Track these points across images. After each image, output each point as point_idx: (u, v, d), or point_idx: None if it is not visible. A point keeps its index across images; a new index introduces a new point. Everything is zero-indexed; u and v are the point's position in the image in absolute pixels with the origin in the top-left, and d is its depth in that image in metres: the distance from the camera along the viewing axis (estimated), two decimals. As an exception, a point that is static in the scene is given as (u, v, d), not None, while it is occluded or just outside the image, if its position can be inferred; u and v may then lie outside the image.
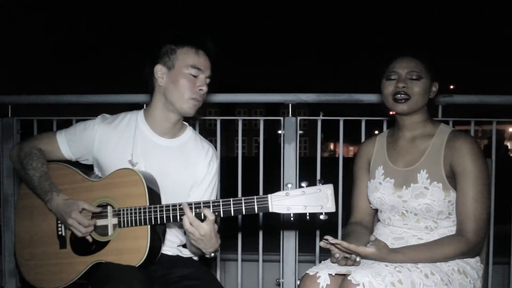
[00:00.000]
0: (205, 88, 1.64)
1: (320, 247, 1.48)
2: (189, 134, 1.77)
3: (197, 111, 1.68)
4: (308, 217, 1.44)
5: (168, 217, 1.50)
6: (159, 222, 1.51)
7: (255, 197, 1.44)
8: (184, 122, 1.77)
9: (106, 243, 1.55)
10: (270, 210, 1.43)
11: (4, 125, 2.56)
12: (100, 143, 1.67)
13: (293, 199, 1.42)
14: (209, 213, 1.44)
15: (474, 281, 1.52)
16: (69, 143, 1.70)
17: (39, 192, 1.62)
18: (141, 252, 1.50)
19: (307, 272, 1.47)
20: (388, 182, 1.63)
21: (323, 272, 1.43)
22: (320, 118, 2.50)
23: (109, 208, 1.58)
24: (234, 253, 2.53)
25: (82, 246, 1.58)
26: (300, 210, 1.42)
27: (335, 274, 1.42)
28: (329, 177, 1.65)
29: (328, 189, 1.42)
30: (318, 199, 1.41)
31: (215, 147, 1.90)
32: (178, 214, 1.49)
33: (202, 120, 2.35)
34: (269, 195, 1.44)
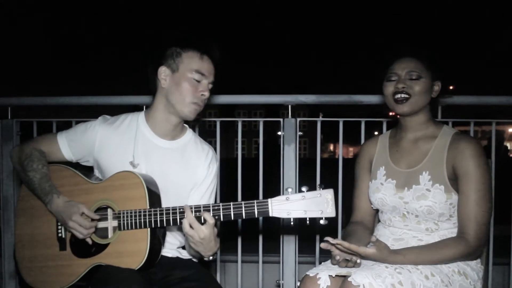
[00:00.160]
0: (207, 94, 1.65)
1: (320, 248, 1.48)
2: (189, 136, 1.77)
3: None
4: (308, 222, 1.44)
5: (168, 220, 1.50)
6: (159, 225, 1.51)
7: (255, 201, 1.44)
8: (185, 124, 1.77)
9: (106, 245, 1.55)
10: (270, 215, 1.43)
11: (3, 127, 2.56)
12: (101, 144, 1.67)
13: (293, 204, 1.42)
14: (209, 217, 1.44)
15: (475, 283, 1.52)
16: (69, 144, 1.70)
17: (39, 193, 1.61)
18: (140, 255, 1.50)
19: (307, 273, 1.47)
20: (390, 183, 1.63)
21: (323, 273, 1.43)
22: (319, 120, 2.50)
23: (109, 210, 1.58)
24: (234, 254, 2.53)
25: (82, 248, 1.58)
26: (300, 215, 1.42)
27: (335, 275, 1.42)
28: (329, 178, 1.65)
29: (329, 194, 1.42)
30: (318, 204, 1.41)
31: (215, 148, 1.91)
32: (178, 217, 1.49)
33: (202, 122, 2.35)
34: (269, 200, 1.44)
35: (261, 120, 2.53)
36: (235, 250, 2.49)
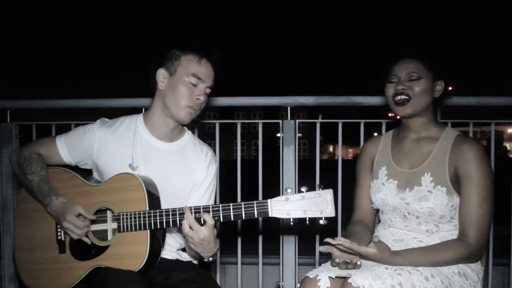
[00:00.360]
0: (202, 98, 1.63)
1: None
2: (188, 137, 1.77)
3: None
4: (307, 222, 1.44)
5: (167, 222, 1.50)
6: (158, 227, 1.51)
7: (254, 202, 1.45)
8: (184, 126, 1.77)
9: (106, 247, 1.55)
10: (270, 215, 1.43)
11: (3, 130, 2.55)
12: (99, 147, 1.67)
13: (293, 204, 1.42)
14: (208, 218, 1.44)
15: (475, 284, 1.52)
16: (68, 147, 1.70)
17: (38, 196, 1.61)
18: (140, 257, 1.50)
19: (307, 275, 1.47)
20: (391, 183, 1.63)
21: (323, 275, 1.43)
22: (319, 121, 2.50)
23: (108, 212, 1.58)
24: (234, 256, 2.52)
25: (82, 251, 1.58)
26: (299, 215, 1.42)
27: (335, 277, 1.42)
28: (328, 180, 1.65)
29: (328, 194, 1.42)
30: (317, 204, 1.41)
31: (214, 150, 1.90)
32: (177, 218, 1.49)
33: (201, 124, 2.35)
34: (268, 200, 1.44)
35: (260, 122, 2.53)
36: (235, 252, 2.48)
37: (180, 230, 1.53)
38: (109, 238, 1.57)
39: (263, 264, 2.48)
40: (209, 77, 1.65)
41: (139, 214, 1.52)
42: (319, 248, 1.47)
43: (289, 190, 1.44)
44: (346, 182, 2.23)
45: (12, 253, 1.73)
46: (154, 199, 1.56)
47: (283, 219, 1.44)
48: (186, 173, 1.70)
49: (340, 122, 2.45)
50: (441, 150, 1.57)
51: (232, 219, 1.46)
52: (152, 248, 1.51)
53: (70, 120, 2.45)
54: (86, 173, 1.72)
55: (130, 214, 1.53)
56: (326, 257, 1.50)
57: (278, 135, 2.41)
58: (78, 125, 1.81)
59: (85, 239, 1.56)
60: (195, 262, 1.77)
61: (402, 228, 1.61)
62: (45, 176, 1.64)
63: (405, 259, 1.43)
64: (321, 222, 1.43)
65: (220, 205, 1.47)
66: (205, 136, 2.35)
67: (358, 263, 1.41)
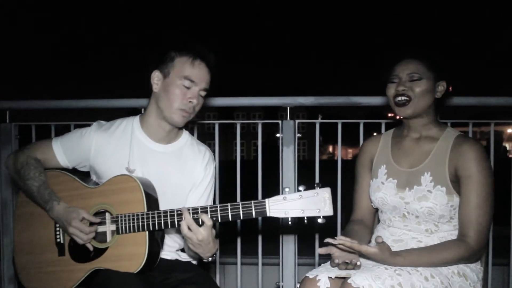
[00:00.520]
0: (195, 101, 1.61)
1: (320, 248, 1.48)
2: (186, 138, 1.76)
3: (195, 114, 1.68)
4: (306, 221, 1.44)
5: (166, 223, 1.50)
6: (157, 228, 1.50)
7: (252, 201, 1.44)
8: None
9: (105, 249, 1.55)
10: (268, 215, 1.43)
11: (2, 130, 2.55)
12: (96, 150, 1.66)
13: (291, 203, 1.42)
14: (206, 218, 1.44)
15: (474, 284, 1.52)
16: (65, 151, 1.69)
17: (39, 201, 1.61)
18: (139, 258, 1.49)
19: (307, 275, 1.47)
20: (391, 182, 1.63)
21: (323, 275, 1.43)
22: (318, 121, 2.50)
23: (107, 214, 1.58)
24: (234, 256, 2.52)
25: (81, 253, 1.58)
26: (297, 214, 1.42)
27: (335, 277, 1.42)
28: (328, 180, 1.65)
29: (326, 192, 1.42)
30: (315, 203, 1.41)
31: (214, 150, 1.90)
32: (176, 220, 1.49)
33: (200, 124, 2.35)
34: (266, 200, 1.44)
35: (260, 122, 2.53)
36: (235, 252, 2.48)
37: (179, 231, 1.53)
38: (108, 240, 1.56)
39: (263, 264, 2.48)
40: (203, 79, 1.63)
41: (137, 215, 1.51)
42: (319, 250, 1.47)
43: (287, 190, 1.44)
44: (346, 182, 2.23)
45: (12, 256, 1.72)
46: (152, 201, 1.56)
47: (282, 218, 1.44)
48: (184, 174, 1.70)
49: (339, 122, 2.45)
50: (441, 150, 1.57)
51: (230, 219, 1.46)
52: (151, 249, 1.51)
53: (70, 121, 2.45)
54: (84, 175, 1.72)
55: (129, 216, 1.53)
56: (326, 257, 1.50)
57: (278, 135, 2.41)
58: (78, 126, 1.81)
59: (87, 244, 1.56)
60: (194, 262, 1.77)
61: (402, 228, 1.61)
62: (44, 181, 1.63)
63: (405, 259, 1.43)
64: (319, 221, 1.42)
65: (218, 205, 1.46)
66: (205, 136, 2.35)
67: (358, 263, 1.41)
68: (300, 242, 2.43)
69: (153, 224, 1.50)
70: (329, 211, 1.41)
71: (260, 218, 2.30)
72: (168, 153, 1.70)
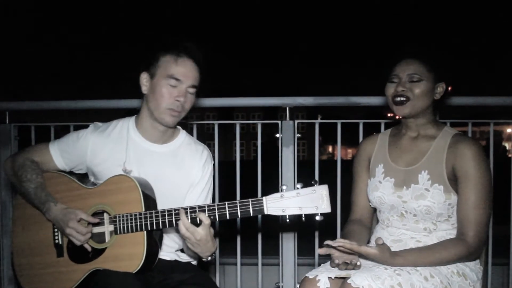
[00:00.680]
0: (182, 99, 1.60)
1: (320, 248, 1.48)
2: (183, 138, 1.76)
3: (194, 115, 1.67)
4: (304, 219, 1.44)
5: (164, 223, 1.50)
6: (155, 228, 1.50)
7: (250, 200, 1.44)
8: (178, 126, 1.75)
9: (103, 250, 1.55)
10: (265, 213, 1.43)
11: (1, 131, 2.55)
12: (93, 153, 1.66)
13: (288, 201, 1.42)
14: (204, 217, 1.44)
15: (474, 283, 1.52)
16: (62, 154, 1.70)
17: (36, 203, 1.61)
18: (138, 258, 1.49)
19: (307, 275, 1.46)
20: (388, 181, 1.63)
21: (323, 275, 1.42)
22: (318, 122, 2.50)
23: (105, 215, 1.58)
24: (233, 257, 2.52)
25: (79, 254, 1.58)
26: (295, 211, 1.41)
27: (335, 277, 1.42)
28: (327, 180, 1.65)
29: (323, 189, 1.41)
30: (313, 200, 1.41)
31: (213, 151, 1.90)
32: (173, 219, 1.49)
33: (200, 124, 2.35)
34: (264, 198, 1.43)
35: (259, 123, 2.53)
36: (234, 252, 2.48)
37: (177, 231, 1.53)
38: (106, 240, 1.56)
39: (263, 264, 2.48)
40: (189, 76, 1.60)
41: (135, 215, 1.51)
42: (318, 251, 1.47)
43: (284, 187, 1.44)
44: (346, 182, 2.23)
45: (11, 258, 1.72)
46: (149, 200, 1.56)
47: (281, 217, 1.43)
48: (182, 174, 1.70)
49: (339, 122, 2.45)
50: (438, 148, 1.57)
51: (228, 217, 1.46)
52: (149, 249, 1.51)
53: (69, 121, 2.45)
54: (82, 176, 1.72)
55: (126, 216, 1.52)
56: (326, 257, 1.50)
57: (277, 135, 2.41)
58: (77, 127, 1.81)
59: (85, 245, 1.56)
60: (193, 263, 1.77)
61: (400, 227, 1.61)
62: (42, 183, 1.63)
63: (405, 259, 1.43)
64: (317, 218, 1.42)
65: (216, 204, 1.46)
66: (204, 136, 2.34)
67: (358, 263, 1.41)
68: (300, 242, 2.43)
69: (151, 224, 1.50)
70: (326, 208, 1.41)
71: (259, 217, 2.31)
72: (164, 153, 1.70)
